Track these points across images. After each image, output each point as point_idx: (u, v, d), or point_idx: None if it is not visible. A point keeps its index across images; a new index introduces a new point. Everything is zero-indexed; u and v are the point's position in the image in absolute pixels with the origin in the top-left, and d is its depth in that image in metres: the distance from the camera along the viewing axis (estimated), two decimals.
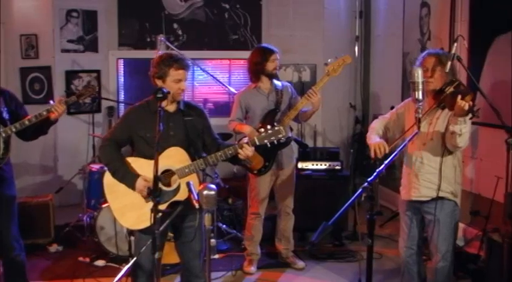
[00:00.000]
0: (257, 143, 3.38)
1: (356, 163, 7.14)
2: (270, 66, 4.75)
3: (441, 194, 3.67)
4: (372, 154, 3.64)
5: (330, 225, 2.70)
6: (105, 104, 7.17)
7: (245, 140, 3.42)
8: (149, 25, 7.36)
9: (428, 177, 3.72)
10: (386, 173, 3.03)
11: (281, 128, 3.37)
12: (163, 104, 3.39)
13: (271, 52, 4.76)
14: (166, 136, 3.39)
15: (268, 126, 3.38)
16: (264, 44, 4.92)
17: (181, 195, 3.35)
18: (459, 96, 3.34)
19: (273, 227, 5.25)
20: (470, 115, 3.32)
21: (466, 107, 3.29)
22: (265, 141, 3.38)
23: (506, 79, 4.73)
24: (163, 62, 3.43)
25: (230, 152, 3.39)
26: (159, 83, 3.44)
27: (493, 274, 4.12)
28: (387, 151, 3.59)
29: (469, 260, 4.67)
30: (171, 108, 3.51)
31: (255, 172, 4.80)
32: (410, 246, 3.90)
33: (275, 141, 3.38)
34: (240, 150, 3.37)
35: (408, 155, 3.87)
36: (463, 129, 3.42)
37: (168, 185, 3.37)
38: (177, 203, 3.33)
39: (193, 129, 3.52)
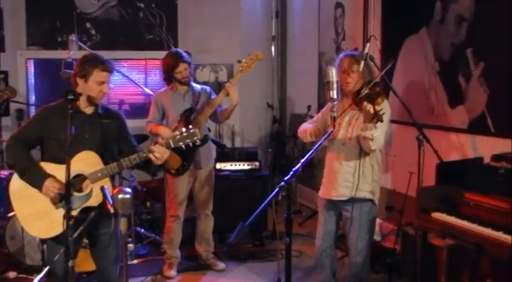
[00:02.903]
0: (172, 146, 3.34)
1: (275, 162, 7.22)
2: (178, 75, 4.72)
3: (359, 194, 3.78)
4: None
5: (247, 225, 2.71)
6: (13, 106, 6.86)
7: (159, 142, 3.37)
8: (60, 24, 7.11)
9: (346, 177, 3.81)
10: (304, 171, 3.08)
11: (196, 130, 3.35)
12: (82, 105, 3.33)
13: (179, 62, 4.69)
14: (81, 139, 3.29)
15: (183, 129, 3.35)
16: (177, 50, 4.82)
17: (94, 201, 3.25)
18: (364, 102, 3.43)
19: (192, 229, 5.21)
20: (375, 119, 3.40)
21: (372, 110, 3.39)
22: (180, 143, 3.35)
23: (416, 78, 4.92)
24: (88, 62, 3.32)
25: (144, 155, 3.32)
26: (80, 82, 3.33)
27: (408, 266, 4.29)
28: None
29: (385, 254, 4.81)
30: (89, 110, 3.40)
31: (173, 172, 4.75)
32: (326, 240, 4.01)
33: (190, 144, 3.36)
34: (151, 154, 3.30)
35: (328, 155, 3.97)
36: (374, 134, 3.52)
37: (80, 190, 3.26)
38: (90, 208, 3.24)
39: (110, 133, 3.42)
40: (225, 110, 4.78)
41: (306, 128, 4.00)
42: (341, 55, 3.89)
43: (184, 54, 4.78)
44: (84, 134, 3.33)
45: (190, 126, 3.38)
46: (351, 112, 3.81)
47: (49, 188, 3.20)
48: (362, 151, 3.75)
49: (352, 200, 3.79)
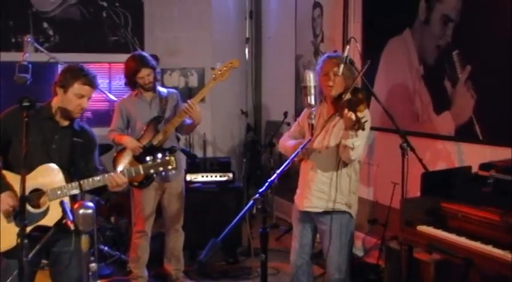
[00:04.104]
0: (141, 173, 3.35)
1: (249, 173, 7.20)
2: (140, 80, 4.69)
3: (335, 207, 3.78)
4: (296, 159, 3.71)
5: (219, 241, 2.68)
6: None
7: (119, 168, 3.36)
8: (14, 24, 7.02)
9: (320, 187, 3.81)
10: (281, 183, 3.07)
11: (172, 158, 3.36)
12: (57, 116, 3.35)
13: (139, 69, 4.66)
14: (46, 148, 3.28)
15: (159, 155, 3.34)
16: (137, 54, 4.81)
17: (49, 220, 3.20)
18: (345, 109, 3.43)
19: (161, 246, 5.16)
20: (356, 127, 3.40)
21: (353, 117, 3.39)
22: (152, 171, 3.37)
23: (400, 82, 4.96)
24: (71, 72, 3.35)
25: (109, 178, 3.31)
26: (59, 92, 3.35)
27: None
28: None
29: (368, 271, 4.82)
30: (64, 122, 3.41)
31: (136, 184, 4.70)
32: (301, 256, 3.99)
33: (163, 173, 3.36)
34: (109, 181, 3.30)
35: (303, 163, 3.96)
36: (355, 142, 3.53)
37: (37, 206, 3.21)
38: (44, 227, 3.18)
39: (78, 150, 3.41)
40: (188, 125, 4.81)
41: (287, 145, 3.98)
42: (324, 56, 3.91)
43: (149, 57, 4.76)
44: (51, 143, 3.33)
45: (166, 153, 3.38)
46: (329, 118, 3.82)
47: (3, 202, 3.15)
48: (339, 161, 3.75)
49: (327, 212, 3.79)
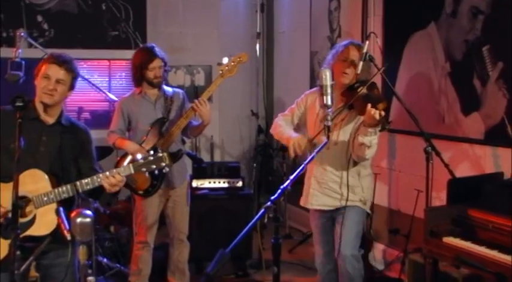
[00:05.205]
0: (132, 172, 3.32)
1: (260, 179, 7.19)
2: (149, 74, 4.70)
3: (349, 204, 3.84)
4: (292, 153, 3.74)
5: (228, 253, 2.67)
6: None
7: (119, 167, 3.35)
8: (5, 17, 7.03)
9: (331, 186, 3.86)
10: (295, 189, 3.06)
11: (165, 154, 3.33)
12: (41, 113, 3.34)
13: (151, 58, 4.68)
14: (34, 152, 3.27)
15: (151, 152, 3.33)
16: (148, 45, 4.84)
17: (37, 230, 3.19)
18: (369, 105, 3.42)
19: (164, 258, 5.16)
20: (380, 126, 3.41)
21: (377, 117, 3.39)
22: (143, 169, 3.33)
23: (424, 81, 4.93)
24: (43, 59, 3.41)
25: (98, 179, 3.29)
26: (36, 82, 3.37)
27: None
28: (304, 147, 3.69)
29: None
30: (50, 119, 3.38)
31: (141, 193, 4.71)
32: (327, 263, 4.02)
33: (156, 171, 3.34)
34: (105, 181, 3.27)
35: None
36: (373, 140, 3.54)
37: (23, 215, 3.19)
38: (34, 237, 3.17)
39: (70, 150, 3.40)
40: (196, 127, 4.81)
41: (283, 135, 3.99)
42: (345, 42, 3.93)
43: (159, 49, 4.79)
44: (38, 146, 3.31)
45: (159, 149, 3.36)
46: (337, 110, 3.80)
47: None
48: (350, 157, 3.76)
49: (341, 209, 3.86)
